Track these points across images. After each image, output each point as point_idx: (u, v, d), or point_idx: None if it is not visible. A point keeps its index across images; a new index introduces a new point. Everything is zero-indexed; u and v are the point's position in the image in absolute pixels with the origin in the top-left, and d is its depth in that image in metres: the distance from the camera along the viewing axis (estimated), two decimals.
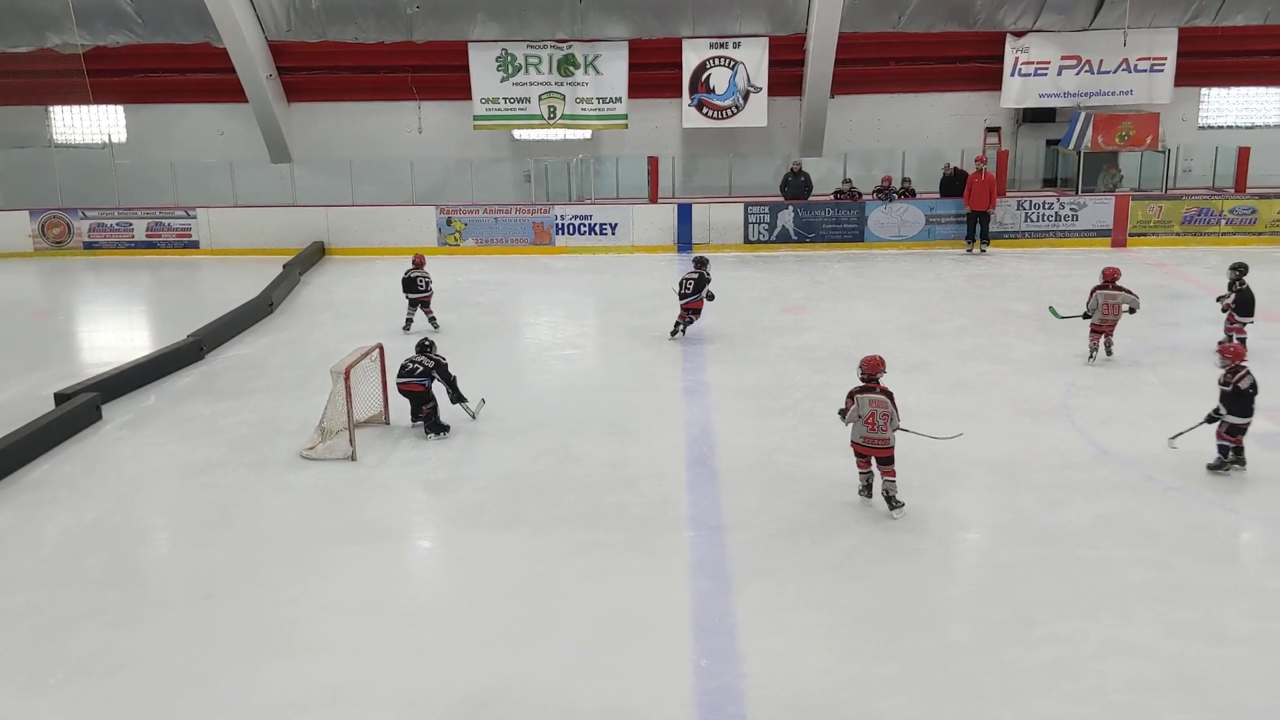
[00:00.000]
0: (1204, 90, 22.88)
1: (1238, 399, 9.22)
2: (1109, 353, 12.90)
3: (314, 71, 22.42)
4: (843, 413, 8.86)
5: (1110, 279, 12.87)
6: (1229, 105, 23.14)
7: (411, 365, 10.84)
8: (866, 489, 9.01)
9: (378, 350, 11.13)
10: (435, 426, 10.83)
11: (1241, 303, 12.77)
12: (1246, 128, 23.01)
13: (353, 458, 10.23)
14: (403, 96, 22.67)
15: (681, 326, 14.23)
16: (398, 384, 10.92)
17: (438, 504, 9.49)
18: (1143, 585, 7.58)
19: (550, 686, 6.56)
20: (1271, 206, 20.35)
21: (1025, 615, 7.23)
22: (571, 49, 21.67)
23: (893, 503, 8.71)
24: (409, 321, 14.97)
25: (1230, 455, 9.44)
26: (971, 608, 7.42)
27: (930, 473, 9.58)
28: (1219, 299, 13.16)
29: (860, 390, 8.77)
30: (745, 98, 21.92)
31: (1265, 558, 8.26)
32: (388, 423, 11.18)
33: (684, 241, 20.55)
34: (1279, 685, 6.38)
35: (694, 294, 14.06)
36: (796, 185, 20.93)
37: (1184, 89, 22.14)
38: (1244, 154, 21.27)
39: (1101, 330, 12.81)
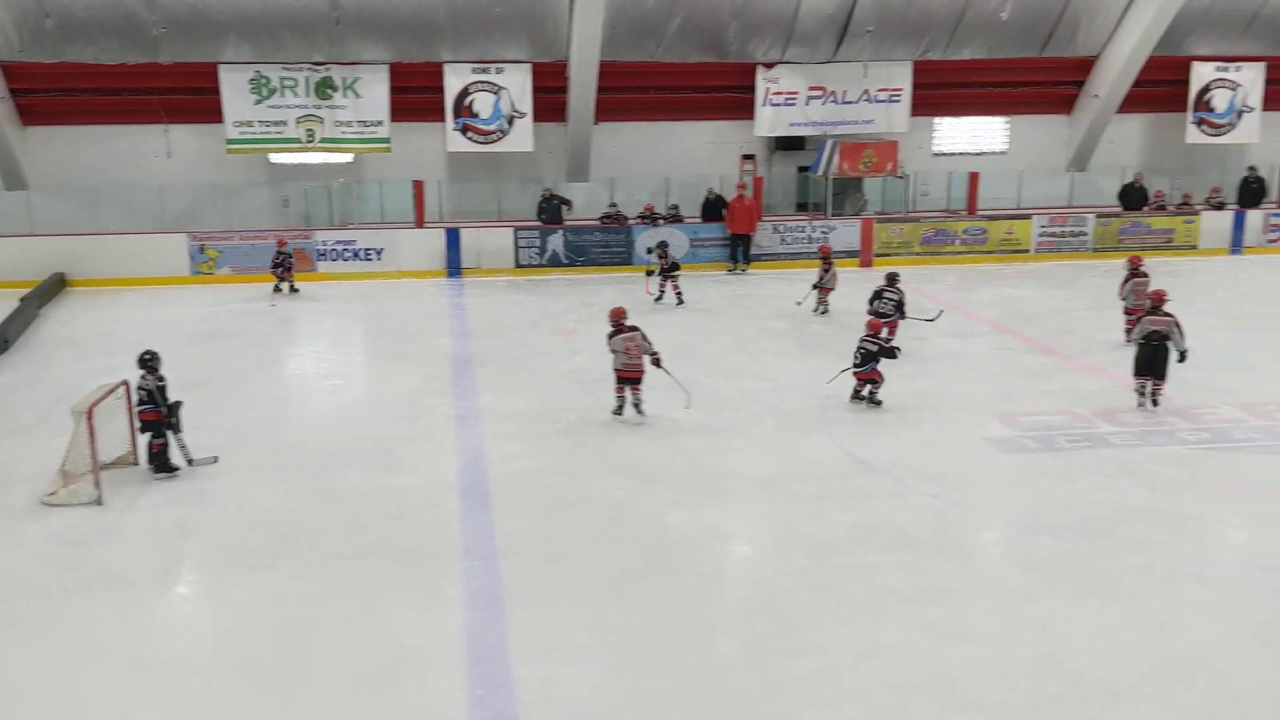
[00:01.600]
0: (936, 119, 24.49)
1: (885, 353, 12.11)
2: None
3: (51, 94, 20.90)
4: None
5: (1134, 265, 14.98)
6: (959, 133, 24.87)
7: (138, 391, 10.17)
8: (619, 410, 11.67)
9: (123, 387, 10.43)
10: (162, 465, 10.17)
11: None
12: (975, 154, 24.79)
13: (98, 502, 9.56)
14: (150, 120, 21.41)
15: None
16: (137, 412, 10.27)
17: (192, 548, 8.98)
18: (898, 589, 8.00)
19: None
20: (999, 227, 22.01)
21: (789, 625, 7.49)
22: (329, 71, 21.12)
23: (640, 409, 11.64)
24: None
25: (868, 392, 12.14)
26: (738, 620, 7.64)
27: (697, 488, 9.84)
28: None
29: (613, 334, 11.72)
30: (510, 122, 21.95)
31: (1002, 557, 8.87)
32: (136, 463, 10.51)
33: (453, 266, 20.36)
34: (1020, 678, 6.83)
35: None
36: (551, 209, 21.18)
37: (919, 118, 23.65)
38: (974, 179, 22.96)
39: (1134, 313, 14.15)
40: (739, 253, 20.89)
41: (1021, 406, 12.23)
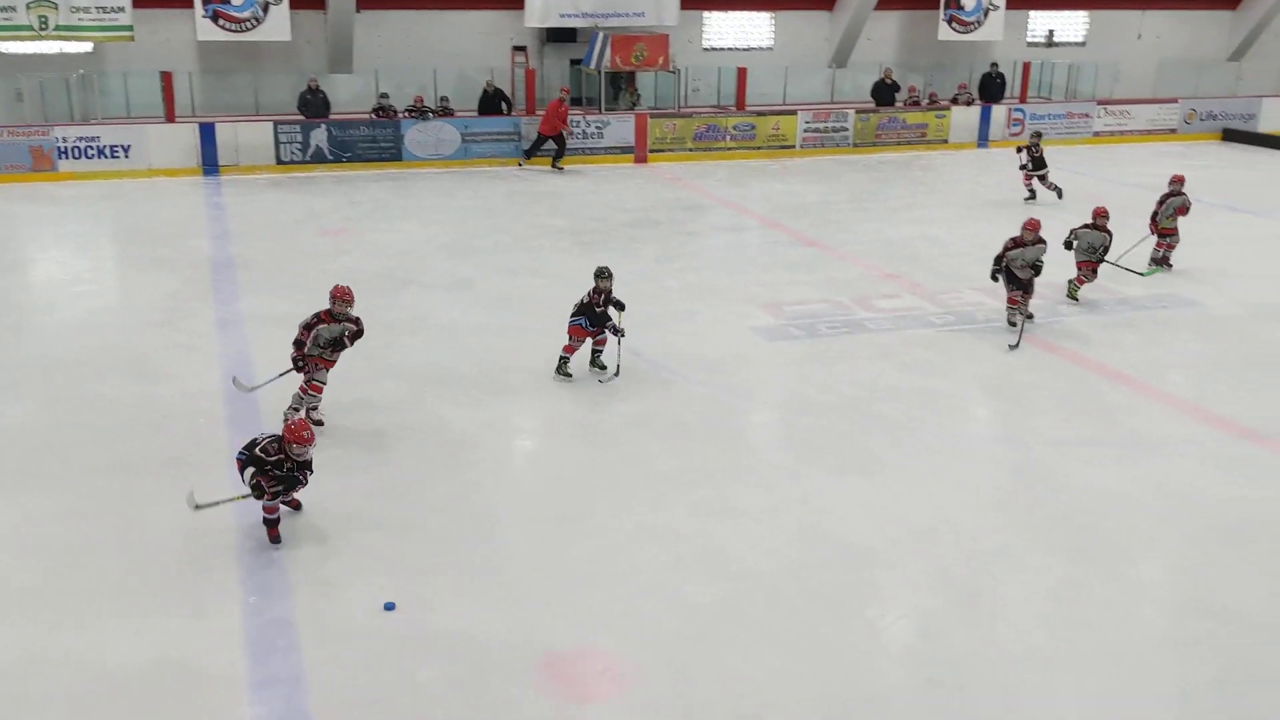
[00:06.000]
0: (706, 14, 24.70)
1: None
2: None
3: None
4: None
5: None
6: (727, 29, 25.18)
7: None
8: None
9: None
10: None
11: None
12: (743, 50, 25.21)
13: None
14: None
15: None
16: None
17: None
18: (670, 472, 8.28)
19: (88, 648, 6.05)
20: (767, 122, 22.55)
21: (569, 512, 7.65)
22: None
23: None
24: None
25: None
26: (519, 512, 7.74)
27: (477, 386, 9.82)
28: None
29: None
30: (265, 9, 20.75)
31: (768, 438, 9.30)
32: None
33: (209, 164, 19.23)
34: (785, 546, 7.23)
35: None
36: (315, 103, 20.27)
37: (689, 12, 23.81)
38: (742, 74, 23.35)
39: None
40: (537, 150, 20.69)
41: (786, 296, 12.72)
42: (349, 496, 7.81)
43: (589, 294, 9.83)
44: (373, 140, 20.17)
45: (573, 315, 9.89)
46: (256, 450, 6.96)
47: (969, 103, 24.21)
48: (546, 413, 9.48)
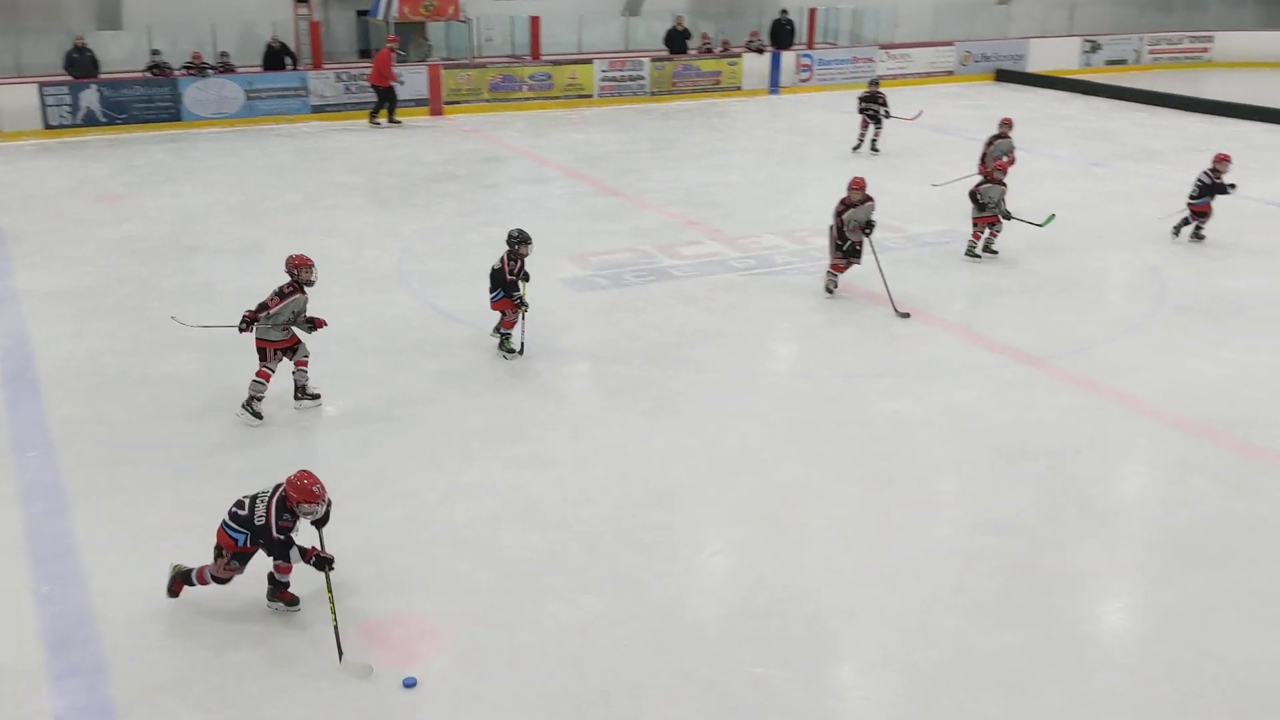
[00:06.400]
0: None
1: None
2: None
3: None
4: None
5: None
6: None
7: None
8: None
9: None
10: None
11: None
12: None
13: None
14: None
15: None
16: None
17: None
18: (480, 429, 8.24)
19: None
20: (563, 72, 22.45)
21: (379, 477, 7.53)
22: None
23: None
24: None
25: None
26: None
27: None
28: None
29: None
30: None
31: (579, 388, 9.37)
32: None
33: None
34: (599, 493, 7.32)
35: None
36: (83, 62, 19.04)
37: None
38: (535, 23, 23.15)
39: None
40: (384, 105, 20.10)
41: (592, 246, 12.78)
42: (142, 476, 7.47)
43: (502, 262, 9.21)
44: (149, 100, 19.09)
45: (492, 291, 9.28)
46: (261, 522, 5.65)
47: (760, 50, 24.70)
48: (349, 378, 9.25)
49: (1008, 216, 12.16)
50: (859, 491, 7.40)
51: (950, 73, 26.49)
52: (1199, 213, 12.92)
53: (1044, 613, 6.09)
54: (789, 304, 11.09)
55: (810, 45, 26.09)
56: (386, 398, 8.80)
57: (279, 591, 6.02)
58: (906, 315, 10.46)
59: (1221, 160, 12.71)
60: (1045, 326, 10.42)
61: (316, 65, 20.88)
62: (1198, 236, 13.04)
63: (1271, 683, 5.52)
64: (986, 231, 12.37)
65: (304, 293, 8.19)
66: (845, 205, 10.89)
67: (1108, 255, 12.74)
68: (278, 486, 5.73)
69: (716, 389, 9.03)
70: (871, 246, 10.92)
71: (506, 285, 9.26)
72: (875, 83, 18.40)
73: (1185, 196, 13.01)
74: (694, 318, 10.59)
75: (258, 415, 8.24)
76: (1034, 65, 27.22)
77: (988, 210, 12.21)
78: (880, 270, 10.78)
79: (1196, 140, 19.26)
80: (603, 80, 22.74)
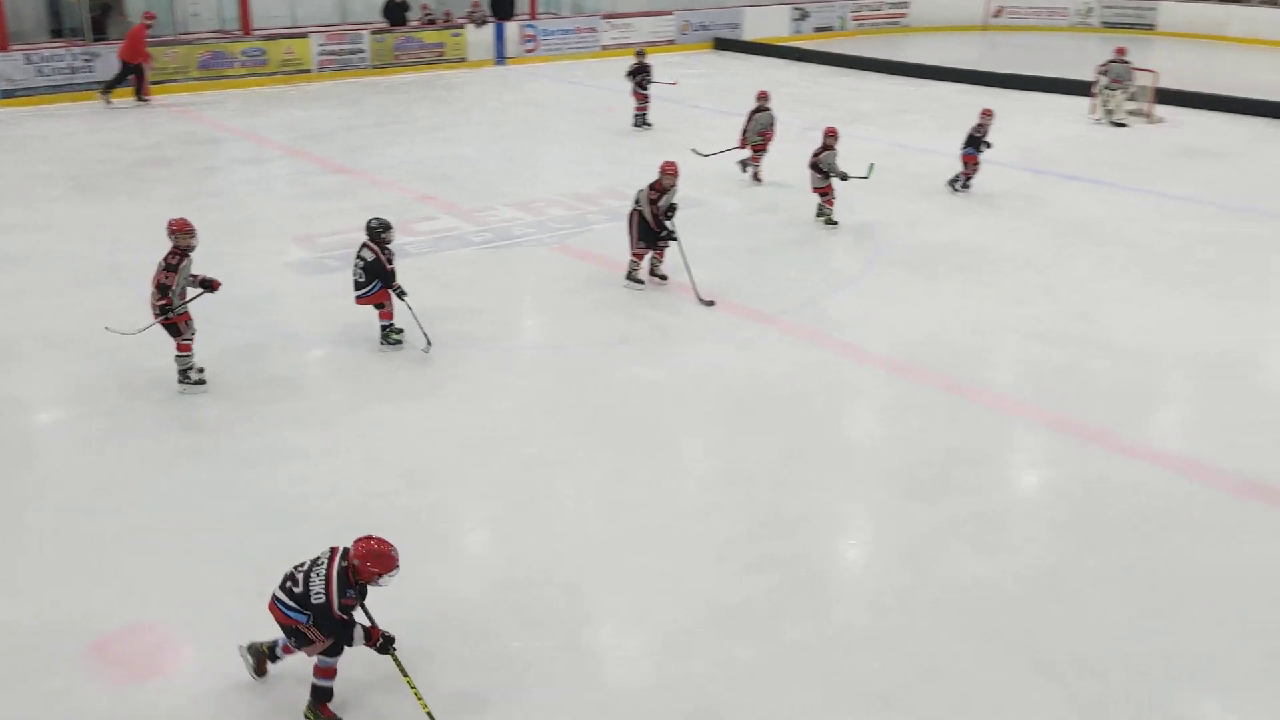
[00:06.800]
0: None
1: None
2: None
3: None
4: None
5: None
6: None
7: None
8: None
9: None
10: None
11: None
12: None
13: None
14: None
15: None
16: None
17: None
18: (217, 425, 7.89)
19: None
20: (278, 47, 21.51)
21: (103, 484, 7.08)
22: None
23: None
24: None
25: None
26: (52, 487, 7.03)
27: None
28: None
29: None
30: None
31: (319, 375, 9.06)
32: None
33: None
34: (347, 482, 7.15)
35: None
36: None
37: None
38: None
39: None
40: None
41: (320, 228, 12.36)
42: None
43: (374, 254, 8.89)
44: None
45: (366, 285, 8.96)
46: (319, 600, 4.82)
47: (482, 21, 24.48)
48: (66, 382, 8.60)
49: (843, 178, 12.46)
50: (609, 456, 7.55)
51: (671, 41, 27.13)
52: (966, 162, 13.92)
53: (789, 555, 6.43)
54: (528, 276, 11.12)
55: (533, 16, 26.08)
56: (105, 402, 8.23)
57: (322, 705, 5.05)
58: (711, 303, 10.19)
59: (986, 114, 13.76)
60: (774, 285, 10.90)
61: (3, 47, 19.10)
62: (964, 186, 14.02)
63: (991, 599, 6.04)
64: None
65: (189, 257, 8.11)
66: (659, 191, 10.31)
67: None
68: (333, 553, 4.92)
69: (461, 366, 8.96)
70: (674, 233, 10.41)
71: (385, 276, 8.96)
72: (642, 53, 18.09)
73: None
74: (434, 295, 10.41)
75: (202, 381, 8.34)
76: (749, 33, 28.27)
77: (831, 176, 12.47)
78: (684, 257, 10.39)
79: (900, 102, 20.60)
80: (321, 54, 21.95)
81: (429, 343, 9.13)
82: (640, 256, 10.63)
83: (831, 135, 12.50)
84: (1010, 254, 11.82)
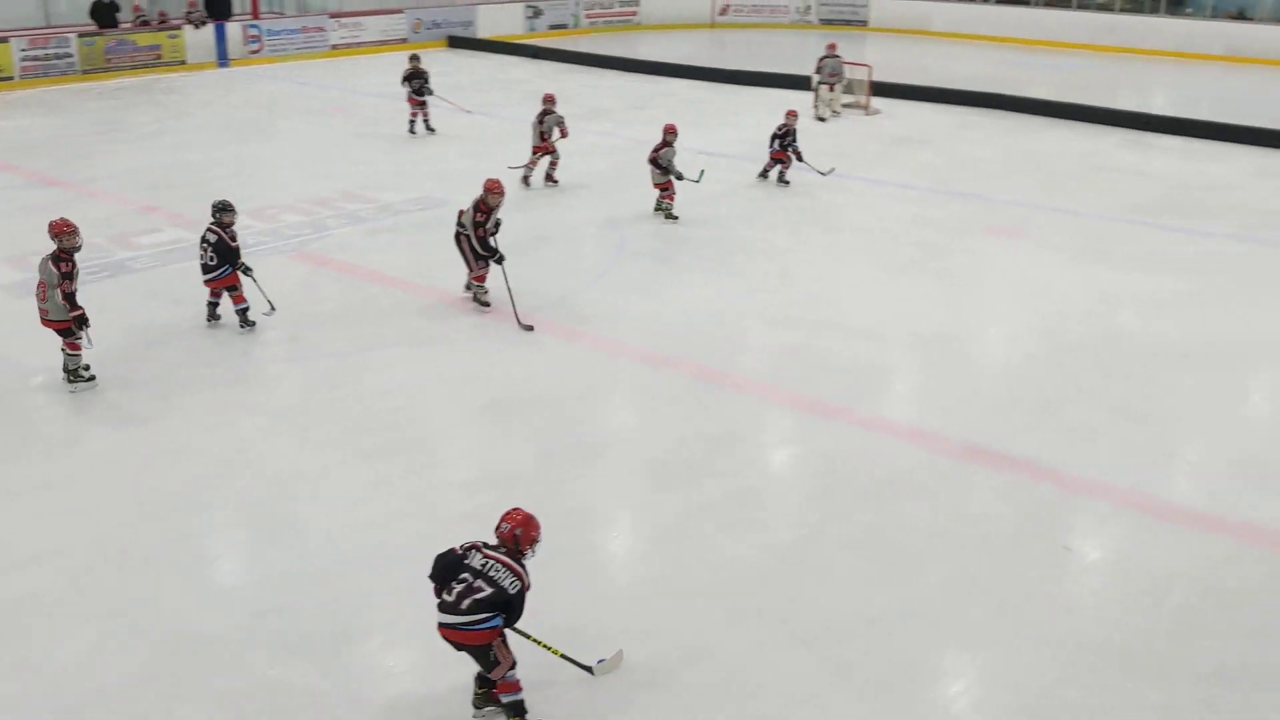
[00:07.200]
0: None
1: None
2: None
3: None
4: None
5: None
6: None
7: None
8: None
9: None
10: None
11: None
12: None
13: None
14: None
15: None
16: None
17: None
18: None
19: None
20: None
21: None
22: None
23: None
24: None
25: None
26: None
27: None
28: None
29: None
30: None
31: (44, 404, 8.43)
32: None
33: None
34: (83, 519, 6.67)
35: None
36: None
37: None
38: None
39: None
40: None
41: (34, 246, 11.37)
42: None
43: (217, 235, 9.20)
44: None
45: (217, 269, 9.29)
46: (515, 590, 4.96)
47: (201, 22, 23.29)
48: None
49: (679, 177, 12.84)
50: (364, 468, 7.37)
51: (404, 40, 26.65)
52: (777, 159, 14.59)
53: (548, 555, 6.44)
54: (270, 285, 10.67)
55: (255, 15, 25.02)
56: None
57: (505, 685, 5.05)
58: (530, 328, 9.75)
59: (790, 115, 14.58)
60: (527, 285, 10.88)
61: None
62: (782, 181, 14.67)
63: (746, 576, 6.29)
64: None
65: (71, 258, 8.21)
66: (485, 212, 9.80)
67: (572, 212, 13.57)
68: (479, 550, 5.04)
69: (199, 386, 8.53)
70: (502, 254, 10.00)
71: (231, 255, 9.22)
72: (416, 58, 17.45)
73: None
74: (160, 312, 9.90)
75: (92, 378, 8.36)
76: (483, 31, 28.16)
77: (670, 174, 12.81)
78: (505, 278, 9.95)
79: (639, 98, 21.02)
80: (24, 60, 20.32)
81: (272, 307, 9.44)
82: (483, 277, 10.12)
83: (670, 132, 12.94)
84: (748, 242, 12.30)
